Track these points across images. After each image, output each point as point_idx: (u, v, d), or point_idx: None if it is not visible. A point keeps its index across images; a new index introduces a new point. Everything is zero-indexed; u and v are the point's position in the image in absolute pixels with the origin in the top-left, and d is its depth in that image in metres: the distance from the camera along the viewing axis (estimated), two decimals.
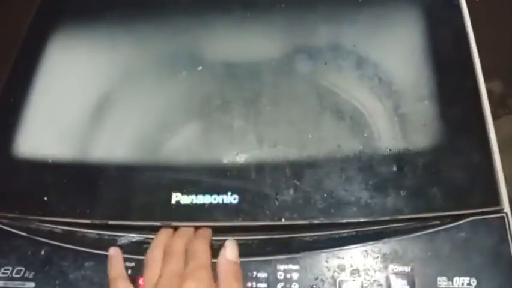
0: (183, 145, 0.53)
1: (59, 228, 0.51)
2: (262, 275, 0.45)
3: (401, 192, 0.46)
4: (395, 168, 0.47)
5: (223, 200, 0.49)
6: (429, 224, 0.45)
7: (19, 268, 0.49)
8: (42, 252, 0.49)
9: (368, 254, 0.45)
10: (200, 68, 0.57)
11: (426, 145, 0.48)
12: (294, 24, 0.59)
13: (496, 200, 0.44)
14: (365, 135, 0.50)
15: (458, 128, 0.48)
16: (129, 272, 0.47)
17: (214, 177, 0.50)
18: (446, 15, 0.56)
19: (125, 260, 0.48)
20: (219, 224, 0.48)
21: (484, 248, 0.43)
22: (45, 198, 0.51)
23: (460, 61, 0.53)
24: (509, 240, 0.43)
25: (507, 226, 0.43)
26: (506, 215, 0.44)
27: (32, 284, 0.48)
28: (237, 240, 0.47)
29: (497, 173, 0.46)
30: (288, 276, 0.45)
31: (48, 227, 0.51)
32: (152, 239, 0.49)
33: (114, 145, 0.54)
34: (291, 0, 0.60)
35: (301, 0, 0.60)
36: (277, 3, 0.60)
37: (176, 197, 0.49)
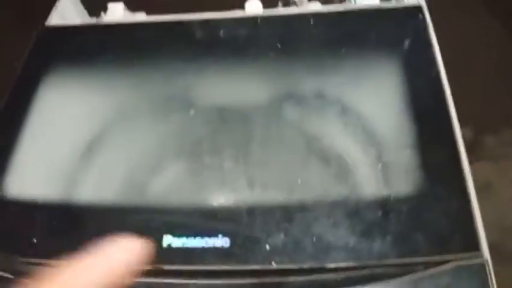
0: (174, 188, 0.54)
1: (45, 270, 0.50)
2: None
3: (387, 237, 0.48)
4: (380, 214, 0.49)
5: (214, 244, 0.49)
6: (414, 268, 0.47)
7: None
8: None
9: None
10: (192, 112, 0.59)
11: (409, 192, 0.51)
12: (282, 73, 0.62)
13: (475, 245, 0.47)
14: (351, 181, 0.52)
15: (437, 176, 0.51)
16: None
17: (205, 219, 0.51)
18: (423, 68, 0.59)
19: None
20: (211, 267, 0.48)
21: None
22: (34, 240, 0.51)
23: (437, 111, 0.56)
24: (490, 285, 0.45)
25: (487, 272, 0.45)
26: (487, 262, 0.46)
27: None
28: (228, 284, 0.48)
29: (476, 219, 0.48)
30: None
31: (33, 267, 0.50)
32: (143, 282, 0.49)
33: (103, 187, 0.55)
34: (279, 51, 0.63)
35: (288, 51, 0.64)
36: (266, 53, 0.63)
37: (168, 240, 0.50)
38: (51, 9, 0.75)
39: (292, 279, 0.49)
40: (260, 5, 0.74)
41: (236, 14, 0.70)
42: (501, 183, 1.08)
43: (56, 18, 0.75)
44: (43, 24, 0.73)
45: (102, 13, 0.78)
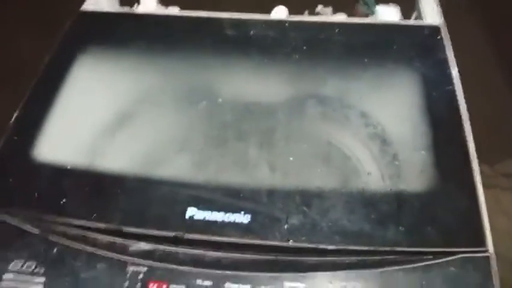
0: (199, 165, 0.57)
1: (73, 230, 0.53)
2: None
3: (399, 227, 0.51)
4: (394, 206, 0.53)
5: (235, 219, 0.52)
6: (424, 257, 0.50)
7: (30, 263, 0.50)
8: (55, 251, 0.51)
9: (368, 279, 0.49)
10: (220, 100, 0.63)
11: (422, 188, 0.54)
12: (306, 73, 0.66)
13: (481, 240, 0.50)
14: (368, 175, 0.55)
15: (449, 175, 0.55)
16: (140, 276, 0.49)
17: (228, 196, 0.54)
18: (440, 79, 0.64)
19: (137, 265, 0.49)
20: (230, 240, 0.51)
21: (471, 283, 0.48)
22: (63, 201, 0.53)
23: (451, 117, 0.60)
24: (493, 278, 0.48)
25: (491, 265, 0.49)
26: (491, 256, 0.49)
27: (42, 279, 0.49)
28: (245, 258, 0.51)
29: (483, 216, 0.52)
30: None
31: (62, 228, 0.52)
32: (163, 249, 0.52)
33: (134, 158, 0.57)
34: (305, 54, 0.67)
35: (314, 55, 0.68)
36: (292, 54, 0.67)
37: (191, 212, 0.52)
38: None
39: (306, 258, 0.51)
40: (286, 12, 0.78)
41: (264, 17, 0.74)
42: (493, 213, 1.11)
43: (90, 5, 0.79)
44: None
45: (135, 4, 0.82)
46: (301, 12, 0.80)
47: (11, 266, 0.50)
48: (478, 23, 1.65)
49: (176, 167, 0.56)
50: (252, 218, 0.52)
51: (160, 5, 0.82)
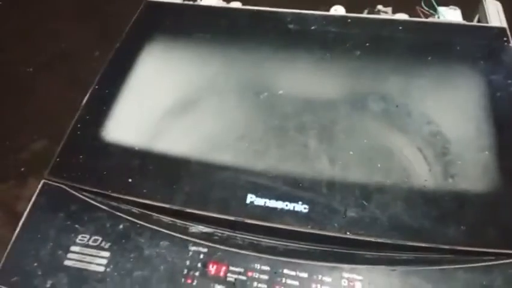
0: (262, 153, 0.58)
1: (137, 209, 0.55)
2: (327, 279, 0.48)
3: (460, 226, 0.50)
4: (456, 205, 0.52)
5: (294, 208, 0.53)
6: (485, 258, 0.49)
7: (96, 238, 0.52)
8: (121, 227, 0.53)
9: (427, 277, 0.48)
10: (281, 92, 0.64)
11: (485, 189, 0.53)
12: (368, 69, 0.66)
13: None
14: (430, 173, 0.55)
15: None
16: (201, 256, 0.50)
17: (288, 185, 0.54)
18: (505, 80, 0.62)
19: (198, 245, 0.51)
20: (288, 227, 0.52)
21: None
22: (130, 180, 0.56)
23: None
24: None
25: None
26: None
27: (107, 254, 0.51)
28: (304, 247, 0.51)
29: None
30: (352, 284, 0.48)
31: (128, 206, 0.55)
32: (221, 232, 0.53)
33: (198, 143, 0.59)
34: (367, 50, 0.68)
35: (376, 51, 0.68)
36: (354, 50, 0.68)
37: (251, 198, 0.54)
38: None
39: (364, 252, 0.51)
40: (344, 11, 0.79)
41: (326, 13, 0.75)
42: None
43: None
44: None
45: None
46: (360, 12, 0.80)
47: (78, 239, 0.52)
48: None
49: (237, 154, 0.58)
50: (310, 208, 0.53)
51: (221, 0, 0.84)
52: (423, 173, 0.55)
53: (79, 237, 0.52)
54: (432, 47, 0.67)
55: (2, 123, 1.57)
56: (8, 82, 1.69)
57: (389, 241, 0.50)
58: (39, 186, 0.57)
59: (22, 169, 1.46)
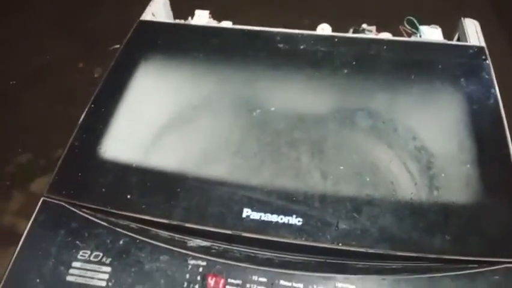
0: (256, 169, 0.60)
1: (136, 224, 0.56)
2: None
3: (446, 236, 0.53)
4: (442, 216, 0.55)
5: (288, 221, 0.55)
6: (469, 265, 0.52)
7: (97, 253, 0.54)
8: (121, 242, 0.54)
9: (416, 285, 0.51)
10: (273, 109, 0.66)
11: (469, 200, 0.57)
12: (355, 87, 0.70)
13: None
14: (416, 187, 0.58)
15: (494, 189, 0.57)
16: (200, 269, 0.52)
17: (282, 200, 0.57)
18: (483, 100, 0.66)
19: (197, 258, 0.53)
20: (283, 240, 0.54)
21: None
22: (128, 196, 0.57)
23: (494, 134, 0.62)
24: None
25: None
26: None
27: (108, 269, 0.52)
28: (299, 258, 0.54)
29: None
30: None
31: (127, 221, 0.56)
32: (218, 246, 0.55)
33: (193, 159, 0.61)
34: (354, 68, 0.71)
35: (362, 69, 0.71)
36: (341, 68, 0.71)
37: (247, 212, 0.56)
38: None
39: (355, 262, 0.54)
40: (330, 30, 0.82)
41: (313, 32, 0.78)
42: None
43: (149, 16, 0.84)
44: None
45: (189, 18, 0.86)
46: (346, 31, 0.83)
47: (79, 255, 0.54)
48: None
49: (233, 170, 0.60)
50: (304, 220, 0.55)
51: (211, 19, 0.86)
52: (409, 186, 0.58)
53: (80, 253, 0.54)
54: (415, 65, 0.71)
55: None
56: None
57: (379, 251, 0.53)
58: (39, 203, 0.58)
59: (7, 183, 1.45)
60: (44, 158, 1.48)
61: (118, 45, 0.77)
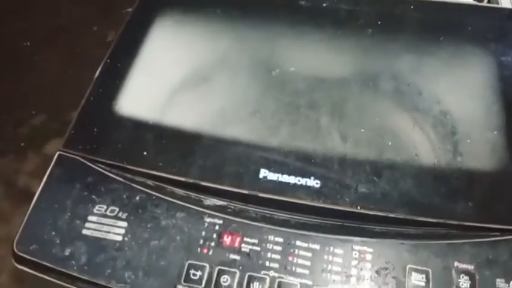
0: (274, 129, 0.59)
1: (151, 181, 0.56)
2: (339, 251, 0.50)
3: (468, 202, 0.52)
4: (465, 182, 0.53)
5: (306, 183, 0.54)
6: (491, 233, 0.51)
7: (113, 208, 0.53)
8: (137, 198, 0.54)
9: (435, 250, 0.50)
10: (293, 68, 0.64)
11: (493, 167, 0.55)
12: (379, 48, 0.67)
13: None
14: (439, 151, 0.56)
15: None
16: (216, 227, 0.52)
17: (300, 161, 0.56)
18: None
19: (213, 217, 0.52)
20: (300, 201, 0.53)
21: None
22: (144, 153, 0.57)
23: None
24: None
25: None
26: None
27: (124, 224, 0.52)
28: (316, 220, 0.53)
29: None
30: (362, 256, 0.50)
31: (142, 178, 0.56)
32: (234, 206, 0.54)
33: (211, 117, 0.60)
34: (379, 28, 0.68)
35: (387, 30, 0.68)
36: (365, 28, 0.68)
37: (264, 173, 0.55)
38: None
39: (373, 226, 0.53)
40: None
41: None
42: None
43: None
44: None
45: None
46: None
47: (95, 209, 0.53)
48: None
49: (250, 129, 0.59)
50: (322, 183, 0.54)
51: None
52: (432, 151, 0.56)
53: (96, 207, 0.53)
54: (443, 27, 0.68)
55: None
56: (5, 56, 1.67)
57: (399, 216, 0.52)
58: (55, 157, 0.57)
59: (22, 144, 1.46)
60: (58, 120, 1.48)
61: (130, 9, 0.75)
